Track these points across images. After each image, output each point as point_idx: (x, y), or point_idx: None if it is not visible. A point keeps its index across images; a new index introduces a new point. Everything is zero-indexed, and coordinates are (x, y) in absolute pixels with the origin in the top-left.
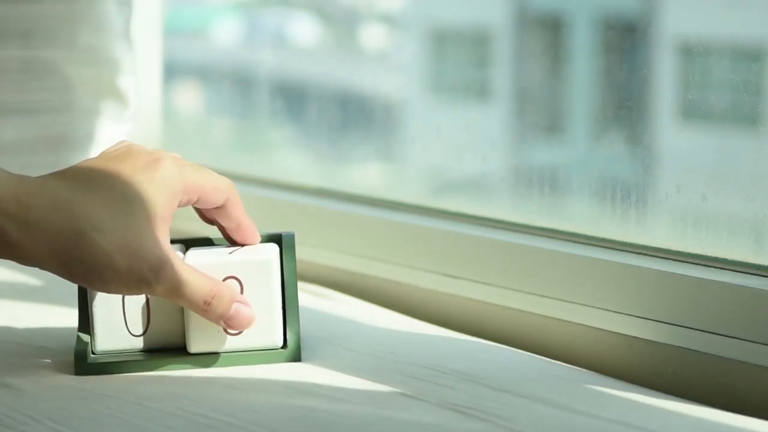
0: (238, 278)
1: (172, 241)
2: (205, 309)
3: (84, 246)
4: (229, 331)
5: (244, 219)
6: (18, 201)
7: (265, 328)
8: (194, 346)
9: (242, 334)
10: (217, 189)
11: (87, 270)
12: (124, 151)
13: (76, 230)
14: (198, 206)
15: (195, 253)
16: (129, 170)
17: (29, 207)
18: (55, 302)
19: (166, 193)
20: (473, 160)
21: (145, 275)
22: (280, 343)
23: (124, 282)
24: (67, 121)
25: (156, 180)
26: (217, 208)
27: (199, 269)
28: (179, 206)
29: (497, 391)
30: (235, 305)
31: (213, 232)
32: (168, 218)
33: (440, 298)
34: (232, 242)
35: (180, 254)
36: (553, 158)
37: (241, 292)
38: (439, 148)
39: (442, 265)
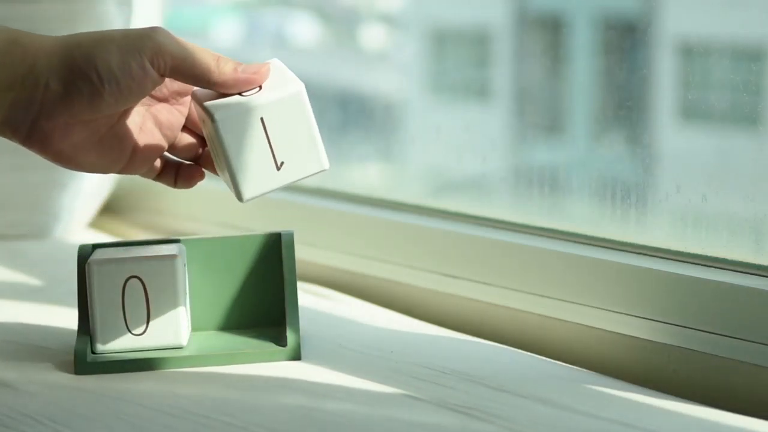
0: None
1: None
2: (217, 65)
3: (78, 37)
4: (245, 95)
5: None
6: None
7: (304, 152)
8: (247, 191)
9: (286, 166)
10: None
11: (90, 43)
12: None
13: (67, 36)
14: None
15: None
16: None
17: (35, 32)
18: (55, 302)
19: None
20: (473, 160)
21: (143, 31)
22: (327, 165)
23: (126, 48)
24: None
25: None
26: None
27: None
28: (157, 54)
29: (497, 391)
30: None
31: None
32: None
33: (440, 298)
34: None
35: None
36: (553, 158)
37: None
38: (439, 148)
39: (442, 265)
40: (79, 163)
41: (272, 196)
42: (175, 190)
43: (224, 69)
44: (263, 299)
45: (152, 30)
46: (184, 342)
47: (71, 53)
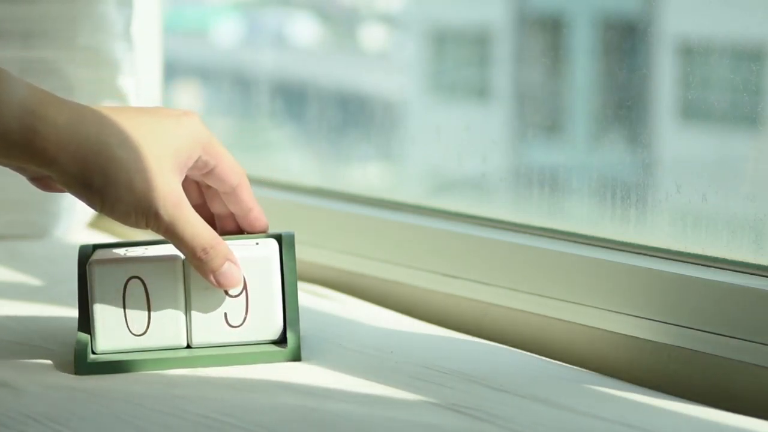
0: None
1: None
2: (200, 258)
3: (106, 158)
4: (229, 293)
5: (254, 205)
6: (49, 104)
7: (265, 321)
8: (197, 339)
9: (244, 326)
10: (234, 167)
11: (104, 182)
12: (158, 107)
13: (102, 141)
14: (211, 180)
15: None
16: (161, 114)
17: (60, 111)
18: (55, 302)
19: (189, 140)
20: (473, 160)
21: (156, 202)
22: (278, 336)
23: (134, 205)
24: None
25: (184, 125)
26: (226, 193)
27: None
28: (197, 164)
29: (497, 391)
30: (227, 264)
31: None
32: (184, 165)
33: (440, 298)
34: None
35: None
36: (553, 158)
37: (244, 289)
38: (439, 148)
39: (442, 265)
40: None
41: (272, 196)
42: None
43: (205, 263)
44: None
45: (166, 204)
46: (184, 342)
47: (90, 173)
